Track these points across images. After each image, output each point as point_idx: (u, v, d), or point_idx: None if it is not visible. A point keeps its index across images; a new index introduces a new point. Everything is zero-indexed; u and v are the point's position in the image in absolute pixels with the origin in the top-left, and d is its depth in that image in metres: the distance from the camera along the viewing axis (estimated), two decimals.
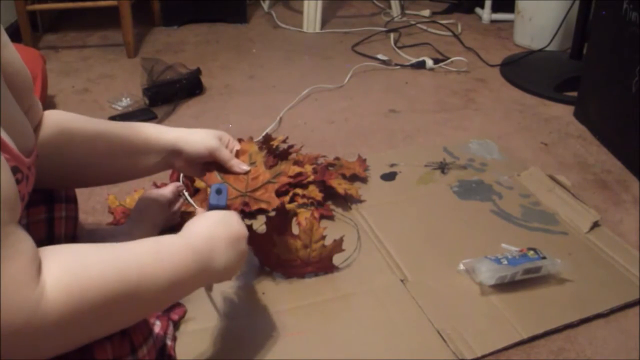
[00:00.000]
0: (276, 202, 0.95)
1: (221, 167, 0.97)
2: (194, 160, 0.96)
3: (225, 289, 1.07)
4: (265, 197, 0.95)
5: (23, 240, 0.56)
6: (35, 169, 0.72)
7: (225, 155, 0.96)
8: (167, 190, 1.20)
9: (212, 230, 0.79)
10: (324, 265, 1.10)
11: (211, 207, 0.86)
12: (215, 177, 0.96)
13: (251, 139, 1.03)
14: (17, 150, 0.63)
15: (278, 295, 1.06)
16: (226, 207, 0.87)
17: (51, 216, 0.87)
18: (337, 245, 1.09)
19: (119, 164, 0.93)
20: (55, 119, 0.88)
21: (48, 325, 0.55)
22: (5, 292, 0.52)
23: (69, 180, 0.91)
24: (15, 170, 0.62)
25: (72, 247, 0.63)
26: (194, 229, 0.78)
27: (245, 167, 0.97)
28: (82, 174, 0.91)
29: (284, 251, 1.07)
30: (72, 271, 0.58)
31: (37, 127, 0.86)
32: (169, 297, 0.73)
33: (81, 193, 0.98)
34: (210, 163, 0.97)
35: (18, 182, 0.62)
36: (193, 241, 0.75)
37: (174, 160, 0.96)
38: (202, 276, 0.76)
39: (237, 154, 0.98)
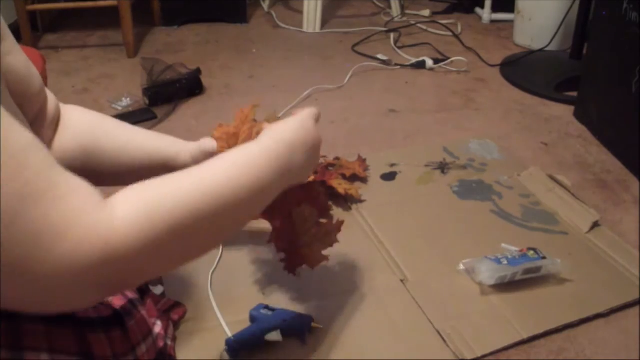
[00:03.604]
0: None
1: None
2: None
3: (225, 289, 1.08)
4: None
5: (77, 179, 0.54)
6: None
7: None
8: None
9: (293, 136, 0.77)
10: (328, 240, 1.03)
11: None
12: None
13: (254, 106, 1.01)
14: None
15: (278, 296, 1.06)
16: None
17: None
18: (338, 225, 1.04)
19: (138, 175, 0.94)
20: (80, 128, 0.89)
21: (125, 249, 0.52)
22: (73, 224, 0.50)
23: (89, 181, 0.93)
24: None
25: (142, 183, 0.60)
26: (275, 136, 0.76)
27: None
28: (102, 178, 0.92)
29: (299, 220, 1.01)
30: (144, 193, 0.57)
31: (55, 125, 0.87)
32: (253, 208, 0.71)
33: None
34: None
35: None
36: (275, 147, 0.73)
37: None
38: (281, 182, 0.74)
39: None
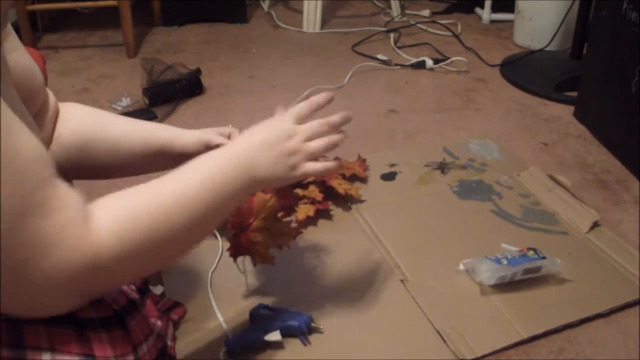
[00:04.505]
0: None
1: None
2: None
3: (225, 289, 1.08)
4: None
5: (68, 191, 0.58)
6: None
7: (218, 140, 0.97)
8: None
9: (259, 138, 0.78)
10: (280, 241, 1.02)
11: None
12: None
13: None
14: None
15: (278, 296, 1.06)
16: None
17: None
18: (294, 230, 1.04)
19: (136, 163, 0.96)
20: (78, 120, 0.91)
21: (107, 260, 0.58)
22: (62, 238, 0.55)
23: (86, 175, 0.95)
24: None
25: (121, 193, 0.64)
26: (242, 143, 0.77)
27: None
28: (101, 170, 0.94)
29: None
30: (125, 208, 0.62)
31: (54, 120, 0.88)
32: (220, 214, 0.73)
33: (82, 190, 0.98)
34: None
35: None
36: (242, 155, 0.74)
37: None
38: (248, 187, 0.75)
39: None
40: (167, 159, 0.96)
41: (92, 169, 0.93)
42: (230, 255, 1.00)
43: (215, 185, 0.70)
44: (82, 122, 0.92)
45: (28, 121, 0.71)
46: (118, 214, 0.61)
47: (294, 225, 1.03)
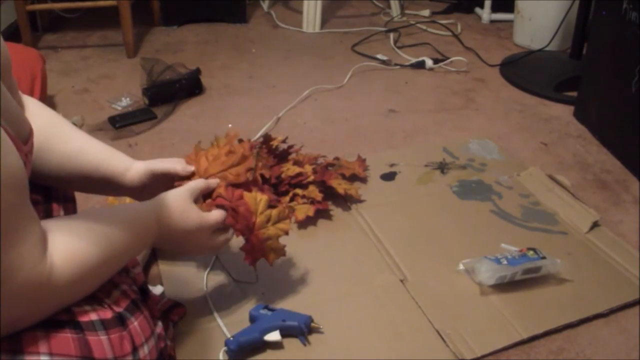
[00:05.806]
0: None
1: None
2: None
3: (225, 289, 1.08)
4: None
5: (33, 222, 0.63)
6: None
7: (162, 166, 0.96)
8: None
9: (171, 225, 0.85)
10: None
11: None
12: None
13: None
14: (14, 136, 0.64)
15: (277, 296, 1.06)
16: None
17: (49, 217, 0.86)
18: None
19: (81, 183, 0.94)
20: (34, 123, 0.86)
21: (59, 290, 0.65)
22: (20, 270, 0.59)
23: (34, 178, 0.91)
24: None
25: (70, 223, 0.72)
26: (161, 219, 0.85)
27: (189, 168, 0.97)
28: (47, 179, 0.90)
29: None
30: (72, 244, 0.68)
31: None
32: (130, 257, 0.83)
33: (81, 193, 0.98)
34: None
35: None
36: (156, 226, 0.84)
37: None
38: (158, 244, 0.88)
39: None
40: (113, 187, 0.94)
41: (38, 174, 0.87)
42: (249, 263, 0.98)
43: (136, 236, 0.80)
44: (38, 126, 0.84)
45: (14, 108, 0.70)
46: (74, 259, 0.67)
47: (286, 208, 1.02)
